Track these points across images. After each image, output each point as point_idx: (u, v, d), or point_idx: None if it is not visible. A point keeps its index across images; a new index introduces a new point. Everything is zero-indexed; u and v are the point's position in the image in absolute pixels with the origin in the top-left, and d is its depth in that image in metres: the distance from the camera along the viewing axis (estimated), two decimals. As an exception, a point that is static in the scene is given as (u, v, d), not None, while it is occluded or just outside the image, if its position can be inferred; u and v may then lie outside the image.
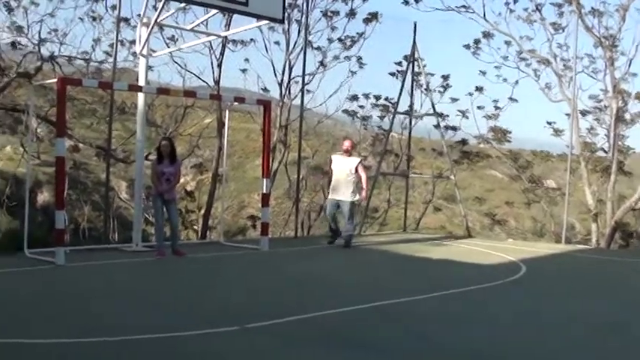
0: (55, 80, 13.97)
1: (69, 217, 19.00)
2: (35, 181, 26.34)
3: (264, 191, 16.18)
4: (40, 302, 9.75)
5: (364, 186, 16.85)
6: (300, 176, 21.44)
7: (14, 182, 25.78)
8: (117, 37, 18.17)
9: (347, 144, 17.14)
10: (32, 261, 13.00)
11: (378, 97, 24.72)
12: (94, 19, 20.69)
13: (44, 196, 31.48)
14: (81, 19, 20.68)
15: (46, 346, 7.39)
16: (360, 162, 17.01)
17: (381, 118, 24.97)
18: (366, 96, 24.68)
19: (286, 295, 10.88)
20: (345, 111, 24.84)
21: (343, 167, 16.76)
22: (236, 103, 17.46)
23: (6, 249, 15.25)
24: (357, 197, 16.82)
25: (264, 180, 16.10)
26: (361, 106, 24.94)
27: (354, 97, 24.51)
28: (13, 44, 20.83)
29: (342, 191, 16.71)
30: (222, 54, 22.19)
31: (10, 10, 20.19)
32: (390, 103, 23.91)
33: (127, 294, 10.63)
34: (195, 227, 23.86)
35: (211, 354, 7.40)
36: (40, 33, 20.39)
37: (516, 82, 24.32)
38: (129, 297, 10.34)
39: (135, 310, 9.36)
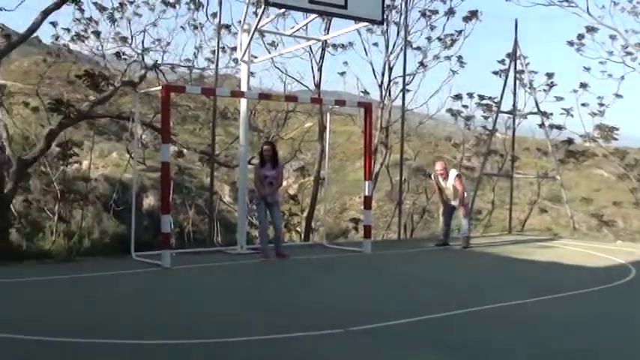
0: (159, 88, 14.25)
1: (174, 221, 19.35)
2: (141, 186, 26.92)
3: (367, 193, 16.17)
4: (148, 304, 9.93)
5: (462, 200, 16.76)
6: (403, 178, 21.29)
7: (120, 187, 26.40)
8: (218, 44, 18.44)
9: (439, 168, 17.08)
10: (139, 264, 13.31)
11: (481, 97, 24.38)
12: (196, 27, 21.05)
13: (149, 201, 32.17)
14: (182, 27, 21.08)
15: (154, 347, 7.50)
16: (456, 176, 16.89)
17: (485, 117, 24.63)
18: (470, 95, 24.39)
19: (390, 298, 10.80)
20: (449, 110, 24.59)
21: (448, 186, 16.81)
22: (337, 107, 17.47)
23: (114, 252, 15.62)
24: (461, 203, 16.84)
25: (366, 182, 16.09)
26: (465, 106, 24.66)
27: (458, 97, 24.25)
28: (118, 54, 21.35)
29: (455, 199, 16.89)
30: (322, 58, 22.29)
31: (114, 21, 20.69)
32: (494, 102, 23.57)
33: (231, 296, 10.73)
34: (298, 229, 23.98)
35: (315, 356, 7.39)
36: (143, 42, 20.89)
37: (622, 77, 23.55)
38: (234, 298, 10.43)
39: (240, 311, 9.42)
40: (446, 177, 16.87)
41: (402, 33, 21.59)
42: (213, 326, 8.46)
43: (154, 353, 7.33)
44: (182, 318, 8.93)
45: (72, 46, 21.63)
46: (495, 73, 23.35)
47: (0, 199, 17.55)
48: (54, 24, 20.72)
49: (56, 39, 21.35)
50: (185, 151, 24.36)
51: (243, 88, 15.46)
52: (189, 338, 7.78)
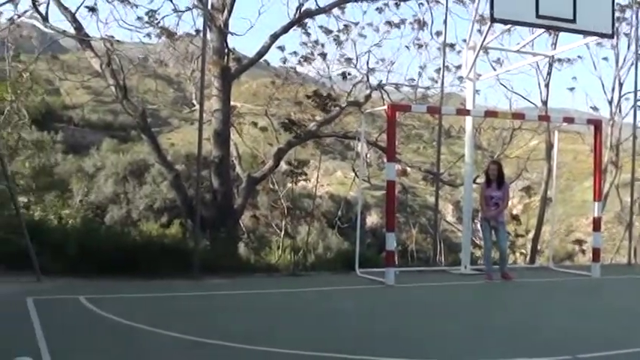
0: (385, 107, 14.41)
1: (397, 239, 19.45)
2: (364, 204, 27.24)
3: (596, 215, 15.57)
4: (371, 320, 10.04)
5: None
6: (633, 199, 20.38)
7: (345, 205, 26.84)
8: (443, 63, 18.38)
9: None
10: (363, 280, 13.53)
11: None
12: (420, 46, 21.10)
13: (372, 219, 32.59)
14: (407, 47, 21.21)
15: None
16: None
17: None
18: None
19: (621, 325, 10.28)
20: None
21: None
22: (565, 124, 16.96)
23: (337, 268, 15.87)
24: None
25: (595, 203, 15.51)
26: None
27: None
28: (343, 75, 21.77)
29: None
30: (548, 73, 21.80)
31: (339, 43, 21.14)
32: None
33: (455, 316, 10.60)
34: (523, 251, 23.47)
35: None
36: (368, 63, 21.19)
37: None
38: (458, 319, 10.29)
39: (464, 332, 9.29)
40: None
41: (633, 46, 20.76)
42: (444, 346, 8.39)
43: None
44: (405, 336, 8.95)
45: (299, 68, 22.30)
46: None
47: (230, 214, 18.31)
48: (282, 48, 21.44)
49: (284, 62, 22.08)
50: (409, 169, 24.46)
51: (469, 106, 15.35)
52: (407, 357, 7.76)
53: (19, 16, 18.25)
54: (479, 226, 15.80)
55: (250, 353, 7.70)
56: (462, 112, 15.70)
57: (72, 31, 17.84)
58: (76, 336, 8.25)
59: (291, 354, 7.69)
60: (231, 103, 19.65)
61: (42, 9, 17.61)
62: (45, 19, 17.71)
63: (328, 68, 21.55)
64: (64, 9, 17.46)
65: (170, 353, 7.67)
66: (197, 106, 19.19)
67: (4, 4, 17.83)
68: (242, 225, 22.23)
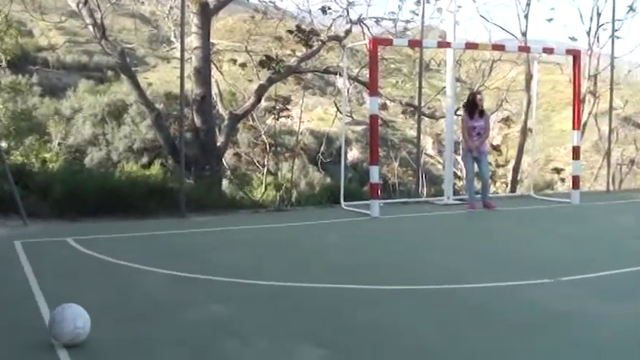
0: (366, 41, 14.45)
1: (379, 173, 19.66)
2: (345, 139, 27.40)
3: (575, 143, 15.77)
4: (361, 250, 10.31)
5: None
6: (611, 127, 20.59)
7: (326, 141, 26.96)
8: (423, -5, 18.33)
9: None
10: (349, 213, 13.80)
11: (695, 41, 23.03)
12: (400, -22, 20.94)
13: (353, 154, 32.75)
14: (386, -21, 21.08)
15: (384, 291, 7.72)
16: None
17: (700, 63, 23.30)
18: (683, 41, 23.11)
19: (603, 249, 10.54)
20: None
21: None
22: (544, 54, 17.06)
23: (323, 203, 16.04)
24: None
25: (575, 132, 15.70)
26: (678, 53, 23.43)
27: (669, 43, 23.05)
28: (323, 9, 21.63)
29: None
30: (528, 4, 21.74)
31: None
32: None
33: (443, 245, 10.87)
34: (504, 181, 23.72)
35: (526, 302, 7.26)
36: (349, -3, 21.01)
37: None
38: (445, 248, 10.55)
39: (455, 260, 9.48)
40: None
41: (610, -25, 20.75)
42: (435, 273, 8.62)
43: (385, 296, 7.57)
44: (403, 264, 9.24)
45: (278, 2, 22.13)
46: None
47: (213, 153, 18.39)
48: (260, -19, 21.24)
49: (263, -4, 21.89)
50: (389, 103, 24.52)
51: (449, 38, 15.42)
52: (414, 284, 8.00)
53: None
54: (459, 157, 15.98)
55: (238, 286, 7.89)
56: (443, 44, 15.77)
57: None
58: (67, 276, 8.38)
59: (278, 285, 7.92)
60: (211, 40, 19.57)
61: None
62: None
63: (308, 2, 21.41)
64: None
65: (162, 289, 7.81)
66: (176, 44, 19.10)
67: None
68: (225, 163, 22.29)
